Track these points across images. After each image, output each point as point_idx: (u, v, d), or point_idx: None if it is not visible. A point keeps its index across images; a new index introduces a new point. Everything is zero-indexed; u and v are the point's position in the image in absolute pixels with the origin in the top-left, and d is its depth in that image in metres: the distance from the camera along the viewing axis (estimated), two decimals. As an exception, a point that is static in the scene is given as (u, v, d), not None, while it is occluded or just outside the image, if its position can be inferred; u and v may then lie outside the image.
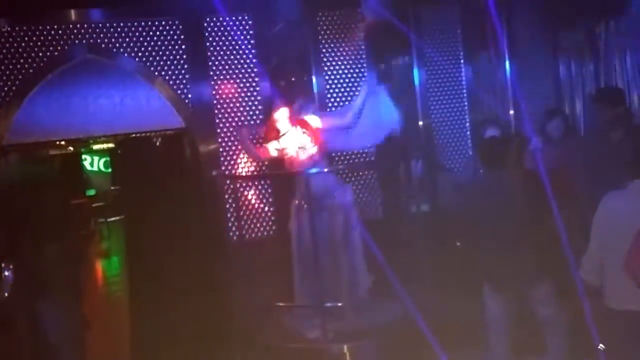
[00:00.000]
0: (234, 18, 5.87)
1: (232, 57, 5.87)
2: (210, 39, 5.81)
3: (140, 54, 5.62)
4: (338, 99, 6.17)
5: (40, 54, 5.36)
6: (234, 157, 5.84)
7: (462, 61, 6.63)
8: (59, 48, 5.40)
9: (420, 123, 6.44)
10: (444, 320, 4.02)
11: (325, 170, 4.76)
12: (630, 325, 2.86)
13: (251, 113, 5.92)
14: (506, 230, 3.58)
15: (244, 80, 5.90)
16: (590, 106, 6.05)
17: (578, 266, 3.14)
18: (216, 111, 5.81)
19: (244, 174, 5.81)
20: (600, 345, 3.28)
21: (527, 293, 3.63)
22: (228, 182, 5.69)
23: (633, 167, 3.02)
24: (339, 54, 6.16)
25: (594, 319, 3.12)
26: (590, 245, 3.08)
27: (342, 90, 6.20)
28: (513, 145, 3.97)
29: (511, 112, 6.67)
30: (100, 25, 5.50)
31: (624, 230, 2.82)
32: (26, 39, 5.33)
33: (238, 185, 5.61)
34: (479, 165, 4.32)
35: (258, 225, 5.90)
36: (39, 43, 5.36)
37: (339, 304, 4.35)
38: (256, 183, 5.87)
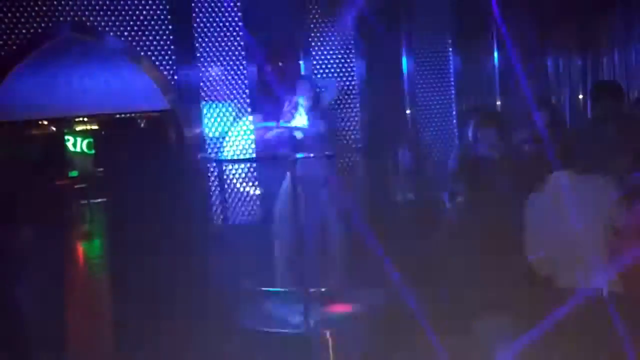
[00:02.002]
0: (222, -1, 5.81)
1: (219, 38, 5.80)
2: (198, 19, 5.73)
3: (125, 34, 5.52)
4: (326, 84, 6.14)
5: (24, 31, 5.24)
6: (220, 140, 5.80)
7: (450, 50, 6.64)
8: (42, 25, 5.28)
9: (408, 111, 6.45)
10: (428, 306, 4.04)
11: (312, 155, 4.74)
12: (585, 299, 3.07)
13: (238, 96, 5.87)
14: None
15: (231, 62, 5.84)
16: (591, 99, 6.07)
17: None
18: (202, 93, 5.75)
19: (229, 157, 5.77)
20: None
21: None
22: (213, 165, 5.64)
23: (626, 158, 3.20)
24: (327, 38, 6.12)
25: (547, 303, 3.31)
26: (530, 239, 3.31)
27: (330, 75, 6.17)
28: None
29: (498, 102, 6.72)
30: (85, 3, 5.39)
31: (565, 221, 3.12)
32: (9, 14, 5.21)
33: (223, 169, 5.57)
34: None
35: (243, 209, 5.87)
36: (22, 20, 5.23)
37: (322, 289, 4.35)
38: (242, 166, 5.84)
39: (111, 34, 5.48)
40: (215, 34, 5.79)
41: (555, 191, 3.26)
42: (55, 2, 5.31)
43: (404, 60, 6.49)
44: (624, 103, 4.89)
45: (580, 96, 6.70)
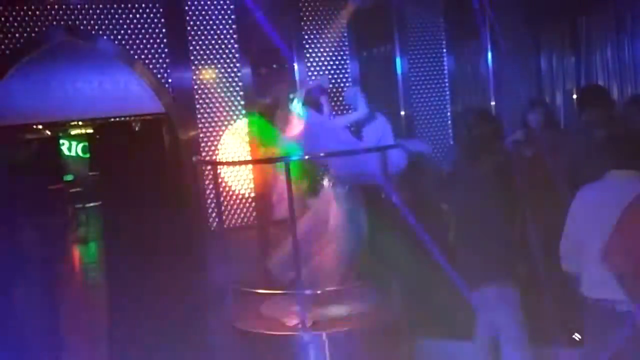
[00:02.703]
0: (215, 2, 5.81)
1: (213, 42, 5.81)
2: (192, 23, 5.74)
3: (120, 38, 5.53)
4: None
5: (17, 35, 5.25)
6: (214, 143, 5.80)
7: (444, 51, 6.65)
8: (36, 29, 5.29)
9: (402, 112, 6.46)
10: (425, 307, 4.05)
11: (306, 157, 4.72)
12: (605, 313, 2.90)
13: (232, 99, 5.87)
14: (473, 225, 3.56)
15: (225, 66, 5.85)
16: (577, 106, 6.09)
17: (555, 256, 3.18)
18: (197, 97, 5.76)
19: (224, 160, 5.77)
20: (576, 334, 3.33)
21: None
22: (208, 168, 5.64)
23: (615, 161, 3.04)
24: (321, 41, 6.13)
25: (571, 307, 3.19)
26: (567, 234, 3.10)
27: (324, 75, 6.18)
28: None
29: (492, 103, 6.72)
30: (79, 7, 5.40)
31: (600, 221, 2.86)
32: (2, 19, 5.21)
33: (218, 172, 5.57)
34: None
35: (238, 212, 5.87)
36: (15, 24, 5.24)
37: (318, 291, 4.34)
38: (237, 169, 5.84)
39: (105, 38, 5.49)
40: (209, 37, 5.79)
41: (606, 190, 2.97)
42: (48, 7, 5.32)
43: (398, 61, 6.50)
44: (612, 107, 4.87)
45: (574, 96, 6.71)
